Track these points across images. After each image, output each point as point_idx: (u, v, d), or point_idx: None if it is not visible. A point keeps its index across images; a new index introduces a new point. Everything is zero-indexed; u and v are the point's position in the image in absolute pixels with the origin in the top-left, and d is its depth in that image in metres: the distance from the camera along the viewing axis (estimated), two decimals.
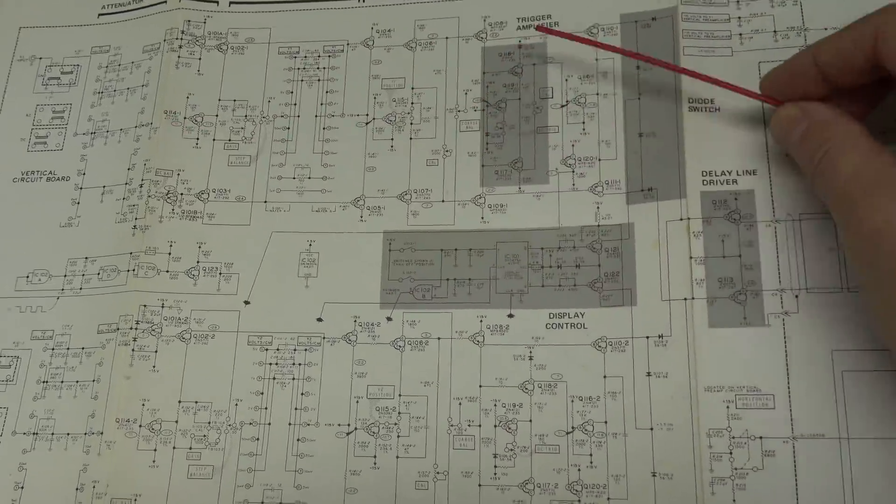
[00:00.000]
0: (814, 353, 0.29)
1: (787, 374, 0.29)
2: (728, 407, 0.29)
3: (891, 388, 0.28)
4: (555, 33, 0.33)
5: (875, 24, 0.25)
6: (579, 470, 0.30)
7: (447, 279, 0.33)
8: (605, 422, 0.31)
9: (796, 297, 0.30)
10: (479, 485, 0.31)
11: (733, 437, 0.29)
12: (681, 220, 0.31)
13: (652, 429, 0.30)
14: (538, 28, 0.34)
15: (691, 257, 0.31)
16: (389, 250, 0.33)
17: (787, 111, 0.28)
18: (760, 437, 0.29)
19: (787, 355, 0.29)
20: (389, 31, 0.36)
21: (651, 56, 0.32)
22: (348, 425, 0.32)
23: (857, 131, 0.26)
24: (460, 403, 0.32)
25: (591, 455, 0.30)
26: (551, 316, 0.32)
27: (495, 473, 0.31)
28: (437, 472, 0.31)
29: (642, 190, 0.32)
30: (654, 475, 0.30)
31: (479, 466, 0.31)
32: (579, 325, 0.32)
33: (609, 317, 0.32)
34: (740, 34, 0.33)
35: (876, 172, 0.24)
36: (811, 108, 0.28)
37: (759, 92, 0.29)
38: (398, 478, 0.31)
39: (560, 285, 0.32)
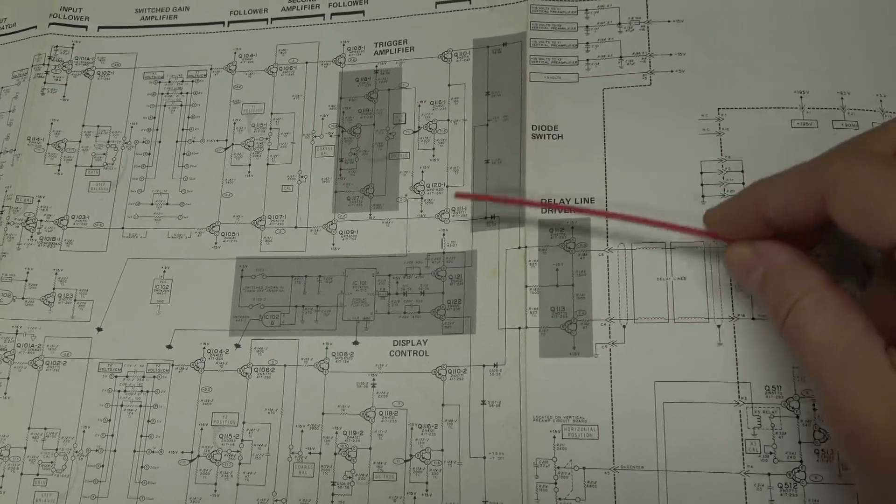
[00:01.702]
0: (637, 383, 0.29)
1: (612, 405, 0.29)
2: (555, 437, 0.29)
3: (709, 421, 0.28)
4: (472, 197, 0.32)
5: (824, 180, 0.23)
6: (415, 498, 0.31)
7: (296, 306, 0.33)
8: (442, 450, 0.31)
9: (624, 326, 0.30)
10: None
11: (558, 468, 0.29)
12: (519, 248, 0.31)
13: (485, 457, 0.30)
14: (458, 195, 0.31)
15: (527, 286, 0.31)
16: (241, 277, 0.34)
17: (739, 252, 0.26)
18: (584, 468, 0.29)
19: (612, 386, 0.29)
20: (252, 55, 0.37)
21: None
22: (192, 452, 0.32)
23: (821, 283, 0.24)
24: (302, 431, 0.32)
25: (426, 483, 0.31)
26: (395, 343, 0.32)
27: (332, 501, 0.31)
28: (276, 500, 0.31)
29: (486, 217, 0.32)
30: (484, 503, 0.30)
31: (318, 494, 0.31)
32: (422, 353, 0.32)
33: (450, 344, 0.32)
34: (587, 60, 0.33)
35: (847, 347, 0.22)
36: (764, 249, 0.26)
37: (703, 228, 0.28)
38: None
39: (405, 312, 0.32)
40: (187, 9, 0.38)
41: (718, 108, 0.31)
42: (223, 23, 0.37)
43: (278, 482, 0.31)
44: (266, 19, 0.37)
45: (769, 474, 0.27)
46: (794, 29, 0.32)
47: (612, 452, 0.29)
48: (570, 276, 0.31)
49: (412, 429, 0.31)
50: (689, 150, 0.31)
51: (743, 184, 0.30)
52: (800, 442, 0.28)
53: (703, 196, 0.30)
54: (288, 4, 0.37)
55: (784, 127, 0.31)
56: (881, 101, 0.31)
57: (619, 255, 0.30)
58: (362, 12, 0.36)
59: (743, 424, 0.28)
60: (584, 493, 0.29)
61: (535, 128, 0.32)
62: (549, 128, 0.32)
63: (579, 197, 0.31)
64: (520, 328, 0.31)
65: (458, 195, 0.32)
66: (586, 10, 0.34)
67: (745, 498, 0.27)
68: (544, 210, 0.31)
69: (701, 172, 0.31)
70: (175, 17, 0.38)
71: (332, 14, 0.36)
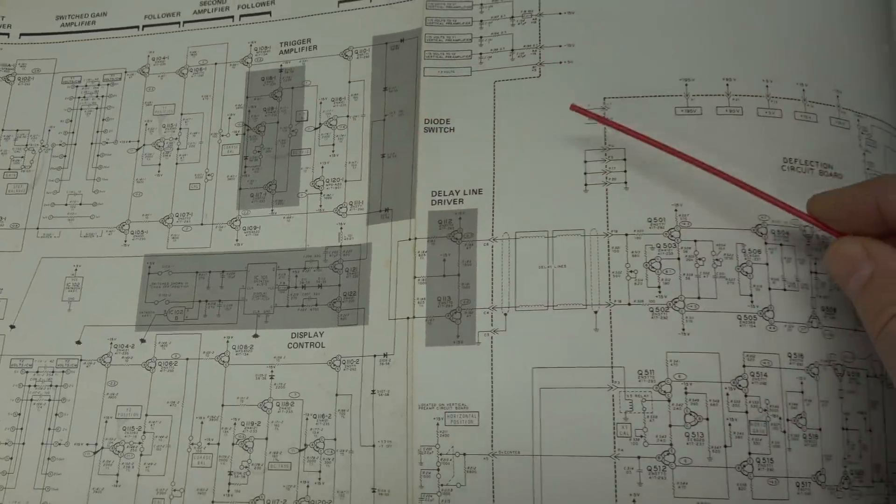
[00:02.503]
0: (516, 370, 0.29)
1: (492, 392, 0.29)
2: (438, 424, 0.30)
3: (583, 406, 0.28)
4: (612, 125, 0.31)
5: None
6: (308, 486, 0.31)
7: (199, 301, 0.34)
8: (335, 439, 0.31)
9: (505, 314, 0.30)
10: (213, 501, 0.32)
11: (441, 454, 0.29)
12: (409, 239, 0.32)
13: (374, 445, 0.31)
14: (573, 108, 0.31)
15: (415, 277, 0.31)
16: (148, 273, 0.35)
17: (849, 248, 0.25)
18: (464, 454, 0.29)
19: (492, 372, 0.30)
20: (164, 58, 0.37)
21: None
22: (96, 444, 0.33)
23: None
24: (202, 422, 0.32)
25: (319, 472, 0.31)
26: (293, 336, 0.33)
27: (228, 490, 0.32)
28: (174, 490, 0.32)
29: (380, 210, 0.33)
30: (373, 491, 0.30)
31: (215, 483, 0.32)
32: (318, 345, 0.33)
33: (344, 336, 0.32)
34: (480, 54, 0.33)
35: None
36: (876, 250, 0.25)
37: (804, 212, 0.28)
38: (137, 495, 0.32)
39: (303, 305, 0.33)
40: (105, 14, 0.39)
41: (604, 98, 0.32)
42: (138, 27, 0.38)
43: (177, 473, 0.32)
44: (178, 22, 0.38)
45: (639, 457, 0.28)
46: (680, 17, 0.32)
47: (491, 438, 0.29)
48: (457, 265, 0.31)
49: (307, 419, 0.32)
50: (573, 139, 0.31)
51: (625, 171, 0.31)
52: (670, 425, 0.28)
53: (585, 185, 0.31)
54: (199, 7, 0.38)
55: (668, 114, 0.31)
56: (767, 87, 0.31)
57: (503, 244, 0.31)
58: (269, 13, 0.37)
59: (615, 408, 0.28)
60: (464, 479, 0.29)
61: (427, 121, 0.33)
62: (442, 121, 0.33)
63: (468, 188, 0.32)
64: (408, 318, 0.31)
65: (574, 107, 0.30)
66: (481, 4, 0.34)
67: (615, 481, 0.28)
68: (433, 202, 0.32)
69: (585, 161, 0.31)
70: (93, 22, 0.39)
71: (241, 16, 0.37)
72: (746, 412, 0.28)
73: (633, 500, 0.27)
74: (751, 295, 0.29)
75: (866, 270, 0.25)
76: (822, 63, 0.32)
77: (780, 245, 0.30)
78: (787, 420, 0.28)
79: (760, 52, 0.31)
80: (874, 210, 0.25)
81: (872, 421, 0.29)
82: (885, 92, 0.33)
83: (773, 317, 0.29)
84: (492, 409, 0.29)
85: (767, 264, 0.29)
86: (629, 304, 0.29)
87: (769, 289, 0.29)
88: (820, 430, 0.28)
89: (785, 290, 0.29)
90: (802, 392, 0.28)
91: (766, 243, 0.29)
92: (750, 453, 0.28)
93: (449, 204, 0.32)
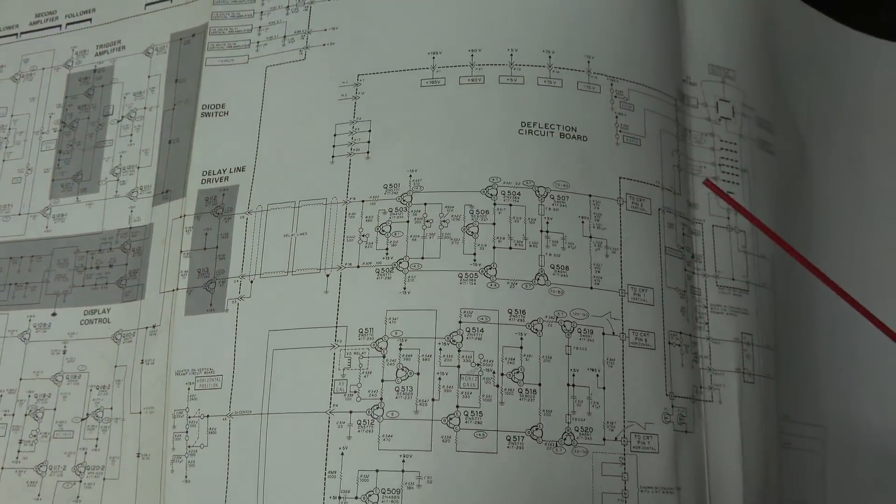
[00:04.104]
0: (255, 334, 0.30)
1: (234, 356, 0.31)
2: (189, 389, 0.31)
3: (308, 365, 0.29)
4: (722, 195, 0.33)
5: None
6: (86, 453, 0.33)
7: (10, 284, 0.36)
8: (111, 408, 0.33)
9: (251, 282, 0.31)
10: (2, 468, 0.34)
11: (189, 417, 0.31)
12: (181, 217, 0.34)
13: (140, 412, 0.32)
14: (706, 183, 0.33)
15: (181, 251, 0.33)
16: None
17: None
18: (208, 416, 0.30)
19: (236, 338, 0.31)
20: (2, 66, 0.41)
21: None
22: None
23: None
24: (1, 395, 0.35)
25: (97, 439, 0.33)
26: (86, 313, 0.35)
27: (17, 458, 0.34)
28: None
29: (163, 192, 0.35)
30: (138, 456, 0.32)
31: (6, 451, 0.34)
32: (105, 321, 0.34)
33: (127, 311, 0.34)
34: (258, 42, 0.35)
35: None
36: None
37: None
38: None
39: (95, 284, 0.35)
40: None
41: (358, 75, 0.33)
42: None
43: None
44: (16, 34, 0.41)
45: (351, 412, 0.28)
46: None
47: (230, 400, 0.30)
48: (216, 238, 0.33)
49: (91, 390, 0.34)
50: (327, 115, 0.33)
51: (368, 142, 0.32)
52: (382, 381, 0.28)
53: (332, 157, 0.32)
54: (34, 19, 0.41)
55: (413, 86, 0.32)
56: (511, 55, 0.32)
57: (256, 216, 0.32)
58: (90, 20, 0.40)
59: (335, 366, 0.29)
60: (206, 440, 0.30)
61: (204, 107, 0.35)
62: (217, 106, 0.35)
63: (233, 167, 0.33)
64: (174, 290, 0.33)
65: (707, 183, 0.33)
66: None
67: (328, 435, 0.28)
68: (203, 181, 0.34)
69: (334, 135, 0.32)
70: None
71: (68, 24, 0.40)
72: (458, 367, 0.28)
73: (342, 453, 0.28)
74: (474, 254, 0.29)
75: None
76: (573, 30, 0.32)
77: (510, 205, 0.30)
78: (502, 374, 0.28)
79: (506, 23, 0.32)
80: None
81: (608, 379, 0.29)
82: (647, 55, 0.33)
83: (496, 274, 0.29)
84: (233, 372, 0.31)
85: (494, 224, 0.30)
86: (357, 267, 0.30)
87: (493, 248, 0.30)
88: (539, 384, 0.28)
89: (511, 248, 0.30)
90: (521, 348, 0.29)
91: (494, 204, 0.30)
92: (458, 406, 0.28)
93: (216, 182, 0.33)
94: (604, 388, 0.29)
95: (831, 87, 0.40)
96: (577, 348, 0.29)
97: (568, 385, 0.29)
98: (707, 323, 0.32)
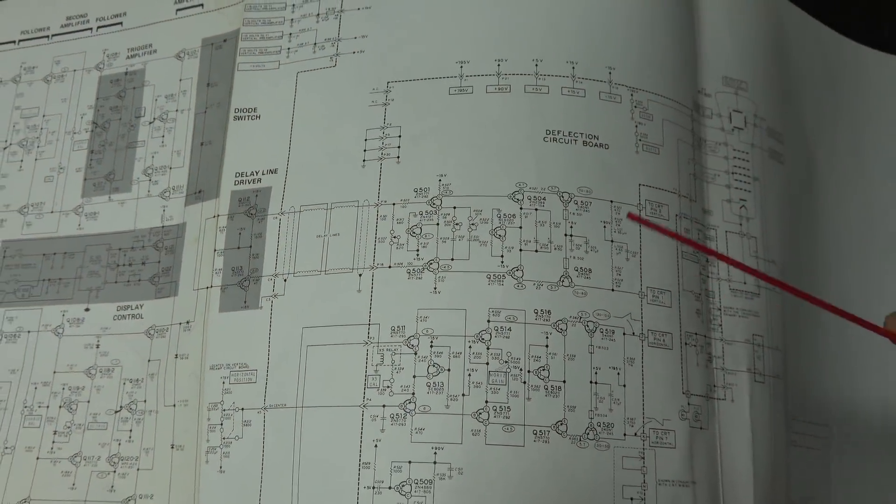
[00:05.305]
0: (289, 330, 0.32)
1: (268, 351, 0.32)
2: (223, 383, 0.32)
3: (341, 360, 0.30)
4: (645, 223, 0.32)
5: None
6: (119, 444, 0.34)
7: (44, 280, 0.37)
8: (145, 401, 0.34)
9: (285, 280, 0.32)
10: (38, 458, 0.35)
11: (224, 410, 0.32)
12: (214, 217, 0.35)
13: (175, 405, 0.33)
14: (630, 216, 0.32)
15: (215, 250, 0.34)
16: (3, 258, 0.38)
17: None
18: (242, 409, 0.32)
19: (270, 334, 0.32)
20: (34, 67, 0.42)
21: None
22: None
23: None
24: (36, 388, 0.36)
25: (130, 430, 0.34)
26: (118, 308, 0.36)
27: (52, 448, 0.35)
28: (6, 448, 0.35)
29: (196, 193, 0.36)
30: (172, 447, 0.33)
31: (41, 442, 0.35)
32: (138, 316, 0.36)
33: (160, 307, 0.35)
34: (288, 49, 0.36)
35: None
36: None
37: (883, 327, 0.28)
38: None
39: (128, 281, 0.36)
40: None
41: (388, 82, 0.34)
42: (14, 41, 0.43)
43: (10, 433, 0.35)
44: (47, 36, 0.42)
45: (384, 406, 0.30)
46: (458, 7, 0.34)
47: (265, 393, 0.31)
48: (250, 238, 0.34)
49: (124, 383, 0.35)
50: (358, 120, 0.34)
51: (398, 147, 0.33)
52: (414, 376, 0.30)
53: (363, 161, 0.33)
54: (65, 21, 0.42)
55: (442, 94, 0.33)
56: (536, 66, 0.33)
57: (289, 217, 0.33)
58: (121, 23, 0.41)
59: (368, 362, 0.30)
60: (241, 432, 0.31)
61: (237, 111, 0.36)
62: (250, 110, 0.36)
63: (265, 169, 0.35)
64: (208, 288, 0.34)
65: (631, 216, 0.32)
66: (293, 5, 0.37)
67: (362, 428, 0.30)
68: (236, 182, 0.35)
69: (365, 140, 0.33)
70: None
71: (98, 27, 0.41)
72: (487, 364, 0.30)
73: (376, 445, 0.29)
74: (502, 256, 0.31)
75: None
76: (595, 42, 0.34)
77: (536, 210, 0.31)
78: (529, 372, 0.30)
79: (531, 35, 0.34)
80: None
81: (628, 377, 0.30)
82: (665, 67, 0.35)
83: (523, 276, 0.31)
84: (267, 367, 0.32)
85: (521, 227, 0.31)
86: (389, 267, 0.31)
87: (520, 250, 0.31)
88: (564, 382, 0.30)
89: (537, 251, 0.31)
90: (547, 346, 0.30)
91: (521, 208, 0.31)
92: (487, 401, 0.29)
93: (249, 183, 0.35)
94: (624, 385, 0.30)
95: (837, 98, 0.42)
96: (600, 347, 0.30)
97: (591, 382, 0.30)
98: (720, 325, 0.33)
